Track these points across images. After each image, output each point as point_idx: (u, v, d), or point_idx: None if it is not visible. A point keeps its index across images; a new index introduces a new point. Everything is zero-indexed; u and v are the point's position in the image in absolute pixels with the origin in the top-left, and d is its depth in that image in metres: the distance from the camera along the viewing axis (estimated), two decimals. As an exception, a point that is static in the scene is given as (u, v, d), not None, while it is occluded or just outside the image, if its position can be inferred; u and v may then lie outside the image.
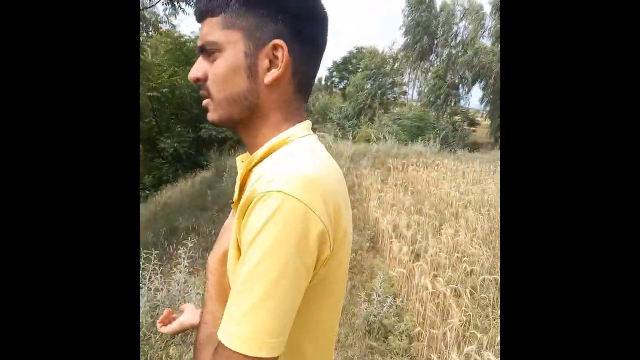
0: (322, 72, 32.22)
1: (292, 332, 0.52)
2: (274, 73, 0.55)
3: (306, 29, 0.57)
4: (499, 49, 18.74)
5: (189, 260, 2.78)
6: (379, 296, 2.72)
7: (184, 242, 2.89)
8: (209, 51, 0.56)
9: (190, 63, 11.40)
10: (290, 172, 0.49)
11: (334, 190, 0.52)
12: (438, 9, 20.58)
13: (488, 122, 20.68)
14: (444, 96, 18.95)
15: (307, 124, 0.61)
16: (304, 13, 0.56)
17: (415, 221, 4.38)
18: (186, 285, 2.60)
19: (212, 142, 10.12)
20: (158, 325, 0.78)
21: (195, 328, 0.69)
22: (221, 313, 0.51)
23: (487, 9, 19.79)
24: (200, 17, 0.57)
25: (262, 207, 0.46)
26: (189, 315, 0.77)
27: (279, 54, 0.55)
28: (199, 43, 0.58)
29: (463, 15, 17.62)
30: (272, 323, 0.47)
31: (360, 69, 19.69)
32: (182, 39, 11.32)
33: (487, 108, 19.22)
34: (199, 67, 0.58)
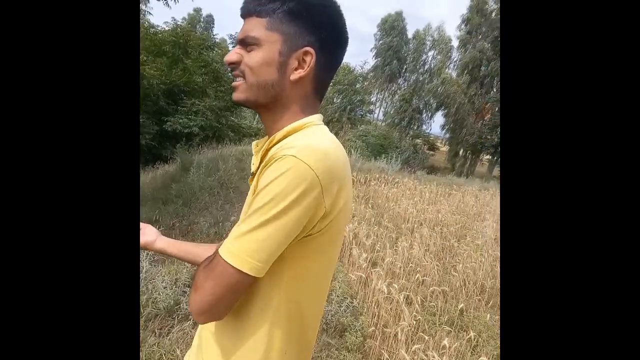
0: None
1: (292, 282, 0.65)
2: (300, 72, 0.68)
3: (330, 45, 0.70)
4: (462, 80, 19.98)
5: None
6: (337, 296, 2.85)
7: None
8: (248, 43, 0.68)
9: (160, 53, 11.18)
10: (305, 144, 0.61)
11: (339, 166, 0.63)
12: (410, 36, 21.58)
13: (446, 148, 21.79)
14: (408, 119, 19.81)
15: (320, 116, 0.73)
16: (332, 33, 0.70)
17: (375, 232, 4.59)
18: (150, 274, 2.59)
19: (176, 136, 9.92)
20: None
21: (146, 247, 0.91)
22: None
23: (455, 43, 21.11)
24: (247, 14, 0.69)
25: (278, 165, 0.58)
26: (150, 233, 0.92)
27: (308, 59, 0.67)
28: (240, 36, 0.69)
29: (432, 46, 18.64)
30: (259, 248, 0.58)
31: (331, 83, 20.03)
32: (152, 29, 11.09)
33: (447, 135, 20.28)
34: (235, 53, 0.69)
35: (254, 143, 0.78)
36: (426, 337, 2.58)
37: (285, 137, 0.67)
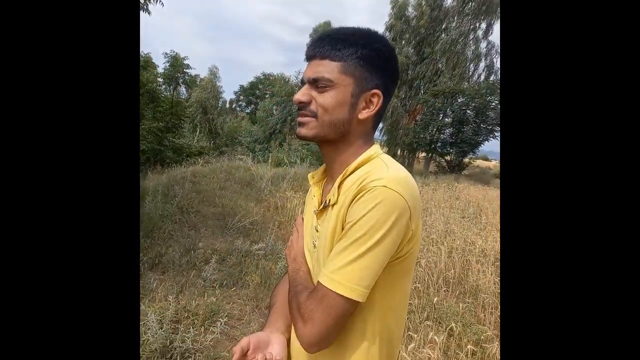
0: (229, 96, 31.87)
1: (383, 304, 0.72)
2: (368, 112, 0.76)
3: (392, 85, 0.79)
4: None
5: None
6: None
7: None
8: (320, 84, 0.74)
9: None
10: (390, 174, 0.69)
11: (417, 191, 0.71)
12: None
13: (385, 150, 22.78)
14: (347, 124, 20.37)
15: (378, 146, 0.81)
16: (394, 75, 0.79)
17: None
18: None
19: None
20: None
21: None
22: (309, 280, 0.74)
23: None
24: (320, 57, 0.74)
25: (370, 196, 0.66)
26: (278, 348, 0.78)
27: (375, 100, 0.76)
28: (311, 76, 0.75)
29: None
30: (362, 276, 0.64)
31: (268, 95, 20.15)
32: None
33: (385, 137, 21.24)
34: (305, 93, 0.75)
35: (309, 175, 0.85)
36: (414, 336, 2.73)
37: (357, 168, 0.74)
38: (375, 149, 0.78)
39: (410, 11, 21.19)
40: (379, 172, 0.69)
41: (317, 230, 0.79)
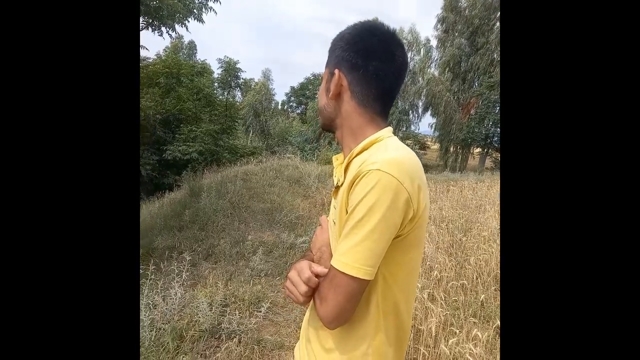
0: (280, 97, 32.75)
1: (387, 281, 0.76)
2: (332, 92, 0.82)
3: (361, 61, 0.80)
4: (445, 78, 20.38)
5: (186, 273, 2.87)
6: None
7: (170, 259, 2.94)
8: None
9: (153, 84, 11.37)
10: (386, 157, 0.70)
11: (416, 172, 0.72)
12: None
13: (437, 146, 22.08)
14: (396, 122, 20.09)
15: (390, 129, 0.83)
16: (351, 52, 0.81)
17: (386, 236, 4.69)
18: (184, 299, 2.68)
19: (176, 164, 10.03)
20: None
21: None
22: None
23: (434, 42, 21.56)
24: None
25: (366, 180, 0.69)
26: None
27: (336, 79, 0.81)
28: None
29: (409, 47, 19.07)
30: (368, 256, 0.68)
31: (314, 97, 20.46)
32: (142, 62, 11.29)
33: (437, 134, 20.57)
34: None
35: (333, 157, 0.91)
36: (457, 331, 2.69)
37: (362, 151, 0.79)
38: (381, 133, 0.81)
39: (463, 1, 20.33)
40: (376, 155, 0.73)
41: (335, 208, 0.85)
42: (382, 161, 0.69)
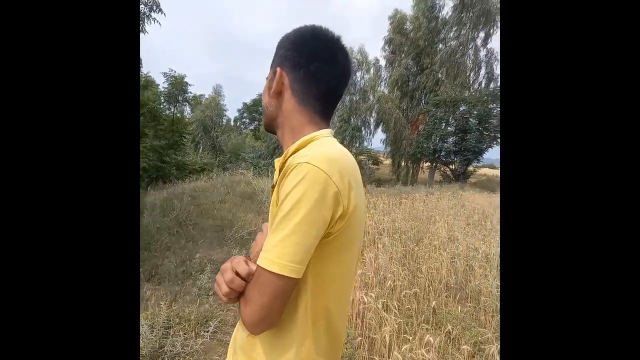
0: (232, 114, 32.36)
1: (317, 284, 0.70)
2: (273, 89, 0.81)
3: (302, 59, 0.79)
4: (395, 96, 21.28)
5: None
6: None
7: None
8: None
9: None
10: (316, 152, 0.68)
11: (348, 170, 0.70)
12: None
13: (389, 161, 22.82)
14: (350, 138, 20.54)
15: (330, 130, 0.81)
16: (294, 52, 0.81)
17: (340, 248, 4.67)
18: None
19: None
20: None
21: None
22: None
23: (383, 62, 22.56)
24: None
25: (294, 173, 0.65)
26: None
27: (277, 77, 0.81)
28: None
29: (358, 67, 19.77)
30: (294, 252, 0.63)
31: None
32: None
33: (388, 149, 21.28)
34: None
35: (275, 160, 0.85)
36: (410, 338, 2.69)
37: (297, 149, 0.75)
38: (319, 132, 0.78)
39: (408, 24, 21.54)
40: (308, 150, 0.71)
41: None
42: (311, 155, 0.67)
